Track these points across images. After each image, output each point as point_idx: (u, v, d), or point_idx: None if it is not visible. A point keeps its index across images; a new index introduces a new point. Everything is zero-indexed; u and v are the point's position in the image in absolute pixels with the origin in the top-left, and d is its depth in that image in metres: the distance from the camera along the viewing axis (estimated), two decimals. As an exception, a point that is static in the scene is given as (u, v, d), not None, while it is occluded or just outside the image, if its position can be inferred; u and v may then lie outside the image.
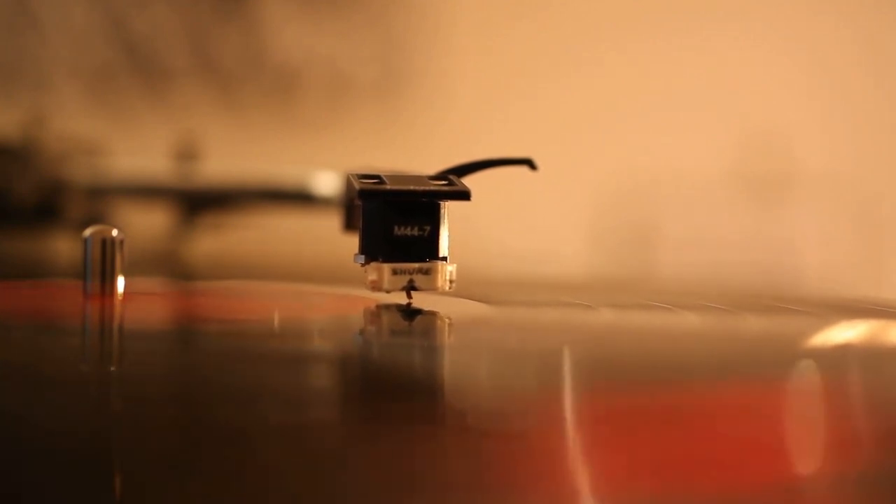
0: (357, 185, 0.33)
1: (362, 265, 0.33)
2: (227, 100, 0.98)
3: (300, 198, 0.60)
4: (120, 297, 0.34)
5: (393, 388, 0.26)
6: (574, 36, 0.96)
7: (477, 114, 0.95)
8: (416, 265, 0.33)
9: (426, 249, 0.33)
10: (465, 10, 0.97)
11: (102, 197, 0.63)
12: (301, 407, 0.24)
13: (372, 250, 0.33)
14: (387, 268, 0.33)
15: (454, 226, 0.34)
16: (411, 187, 0.33)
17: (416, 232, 0.33)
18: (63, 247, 0.60)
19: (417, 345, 0.32)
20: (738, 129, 0.92)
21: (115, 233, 0.34)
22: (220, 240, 0.62)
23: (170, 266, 0.57)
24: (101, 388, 0.25)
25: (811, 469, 0.21)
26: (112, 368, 0.28)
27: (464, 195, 0.33)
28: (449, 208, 0.34)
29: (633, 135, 0.94)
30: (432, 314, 0.35)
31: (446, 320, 0.35)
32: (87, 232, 0.34)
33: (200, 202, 0.61)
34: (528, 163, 0.35)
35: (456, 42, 0.97)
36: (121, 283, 0.34)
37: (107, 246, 0.34)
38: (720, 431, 0.23)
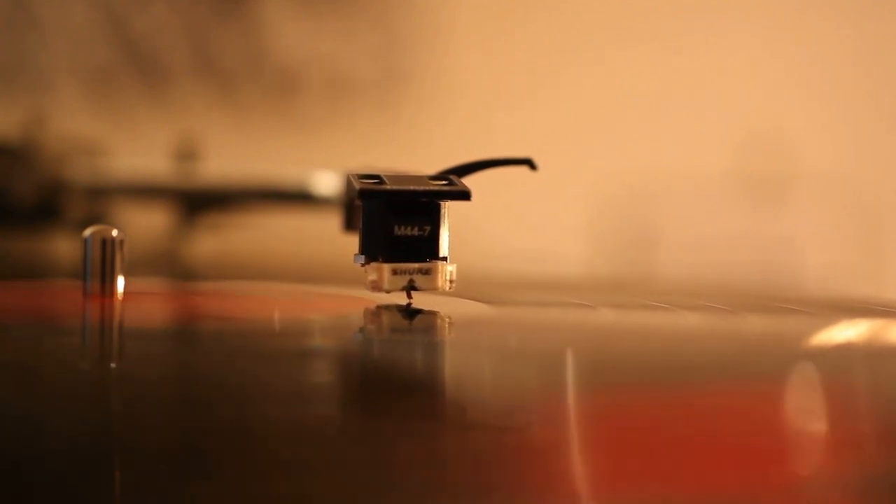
0: (357, 185, 0.33)
1: (362, 265, 0.33)
2: (227, 100, 0.98)
3: (300, 198, 0.60)
4: (120, 297, 0.34)
5: (393, 387, 0.26)
6: (574, 36, 0.96)
7: (477, 114, 0.95)
8: (417, 265, 0.33)
9: (426, 249, 0.33)
10: (466, 11, 0.97)
11: (102, 197, 0.63)
12: (301, 406, 0.24)
13: (372, 250, 0.33)
14: (387, 268, 0.33)
15: (454, 226, 0.34)
16: (411, 187, 0.33)
17: (416, 232, 0.33)
18: (63, 247, 0.60)
19: (417, 345, 0.32)
20: (737, 129, 0.92)
21: (115, 233, 0.34)
22: (220, 240, 0.62)
23: (170, 266, 0.57)
24: (101, 388, 0.25)
25: (811, 469, 0.21)
26: (112, 367, 0.28)
27: (464, 195, 0.33)
28: (449, 208, 0.34)
29: (634, 134, 0.94)
30: (432, 314, 0.35)
31: (446, 320, 0.35)
32: (87, 232, 0.34)
33: (200, 202, 0.61)
34: (528, 163, 0.35)
35: (456, 42, 0.97)
36: (121, 283, 0.34)
37: (107, 246, 0.34)
38: (720, 431, 0.23)
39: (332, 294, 0.42)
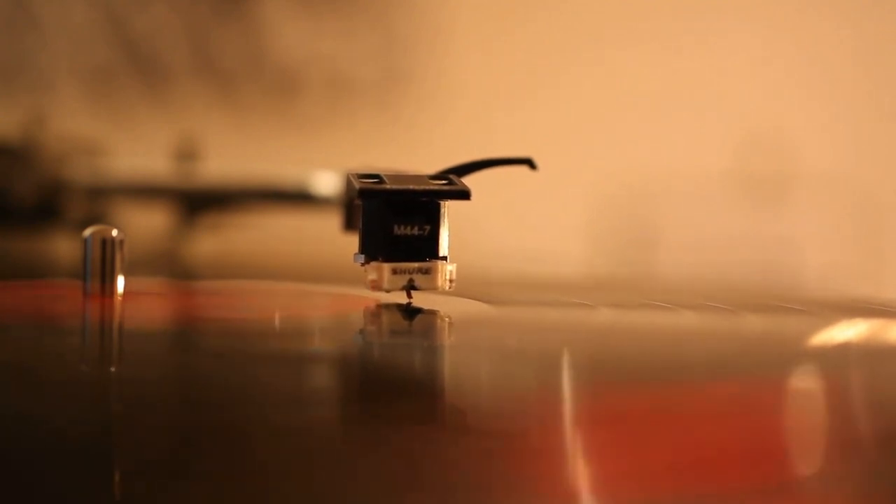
0: (357, 185, 0.33)
1: (362, 265, 0.33)
2: (227, 100, 0.98)
3: (300, 198, 0.60)
4: (120, 297, 0.34)
5: (393, 387, 0.26)
6: (574, 36, 0.96)
7: (477, 114, 0.95)
8: (416, 265, 0.33)
9: (426, 249, 0.33)
10: (466, 11, 0.97)
11: (102, 197, 0.63)
12: (301, 406, 0.24)
13: (372, 250, 0.33)
14: (387, 267, 0.33)
15: (454, 225, 0.34)
16: (411, 187, 0.33)
17: (416, 231, 0.33)
18: (63, 247, 0.60)
19: (417, 344, 0.32)
20: (738, 129, 0.92)
21: (115, 233, 0.34)
22: (220, 240, 0.62)
23: (170, 266, 0.57)
24: (100, 388, 0.25)
25: (811, 469, 0.21)
26: (112, 368, 0.28)
27: (464, 194, 0.33)
28: (449, 208, 0.34)
29: (634, 134, 0.94)
30: (432, 313, 0.35)
31: (446, 320, 0.35)
32: (87, 232, 0.34)
33: (200, 202, 0.61)
34: (528, 162, 0.35)
35: (456, 42, 0.97)
36: (121, 283, 0.34)
37: (107, 246, 0.34)
38: (720, 431, 0.23)
39: (332, 294, 0.42)
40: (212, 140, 0.64)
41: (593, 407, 0.24)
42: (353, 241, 0.34)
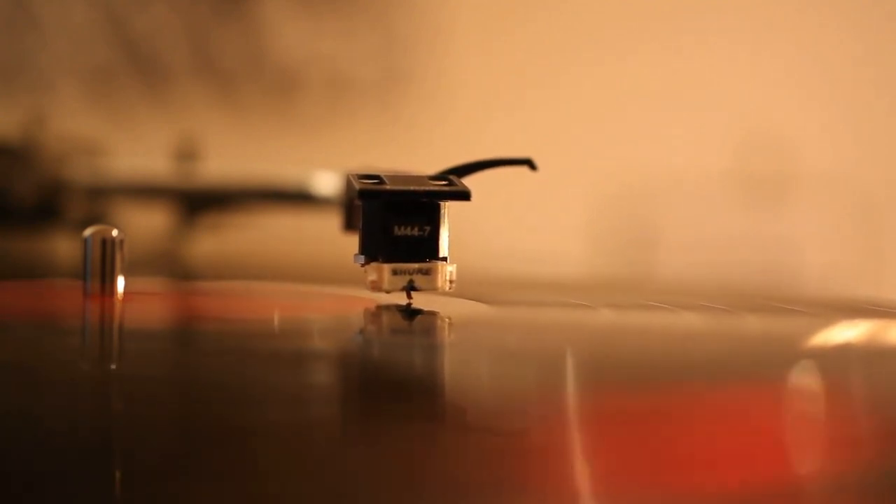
0: (357, 185, 0.33)
1: (362, 265, 0.33)
2: (227, 100, 0.98)
3: (300, 198, 0.60)
4: (120, 297, 0.34)
5: (393, 387, 0.26)
6: (574, 36, 0.96)
7: (477, 114, 0.95)
8: (417, 265, 0.33)
9: (426, 249, 0.33)
10: (466, 11, 0.97)
11: (102, 197, 0.63)
12: (301, 406, 0.24)
13: (372, 250, 0.33)
14: (387, 268, 0.33)
15: (454, 226, 0.34)
16: (411, 187, 0.33)
17: (416, 232, 0.33)
18: (63, 247, 0.60)
19: (417, 345, 0.32)
20: (737, 129, 0.92)
21: (115, 233, 0.34)
22: (220, 240, 0.62)
23: (170, 266, 0.56)
24: (101, 388, 0.25)
25: (811, 469, 0.21)
26: (112, 367, 0.28)
27: (464, 195, 0.33)
28: (449, 208, 0.34)
29: (634, 134, 0.94)
30: (432, 314, 0.35)
31: (446, 320, 0.35)
32: (87, 232, 0.34)
33: (200, 202, 0.61)
34: (529, 163, 0.35)
35: (456, 42, 0.97)
36: (121, 283, 0.34)
37: (107, 246, 0.34)
38: (720, 431, 0.23)
39: (332, 294, 0.42)
40: (212, 140, 0.64)
41: (593, 407, 0.24)
42: (352, 242, 0.34)
